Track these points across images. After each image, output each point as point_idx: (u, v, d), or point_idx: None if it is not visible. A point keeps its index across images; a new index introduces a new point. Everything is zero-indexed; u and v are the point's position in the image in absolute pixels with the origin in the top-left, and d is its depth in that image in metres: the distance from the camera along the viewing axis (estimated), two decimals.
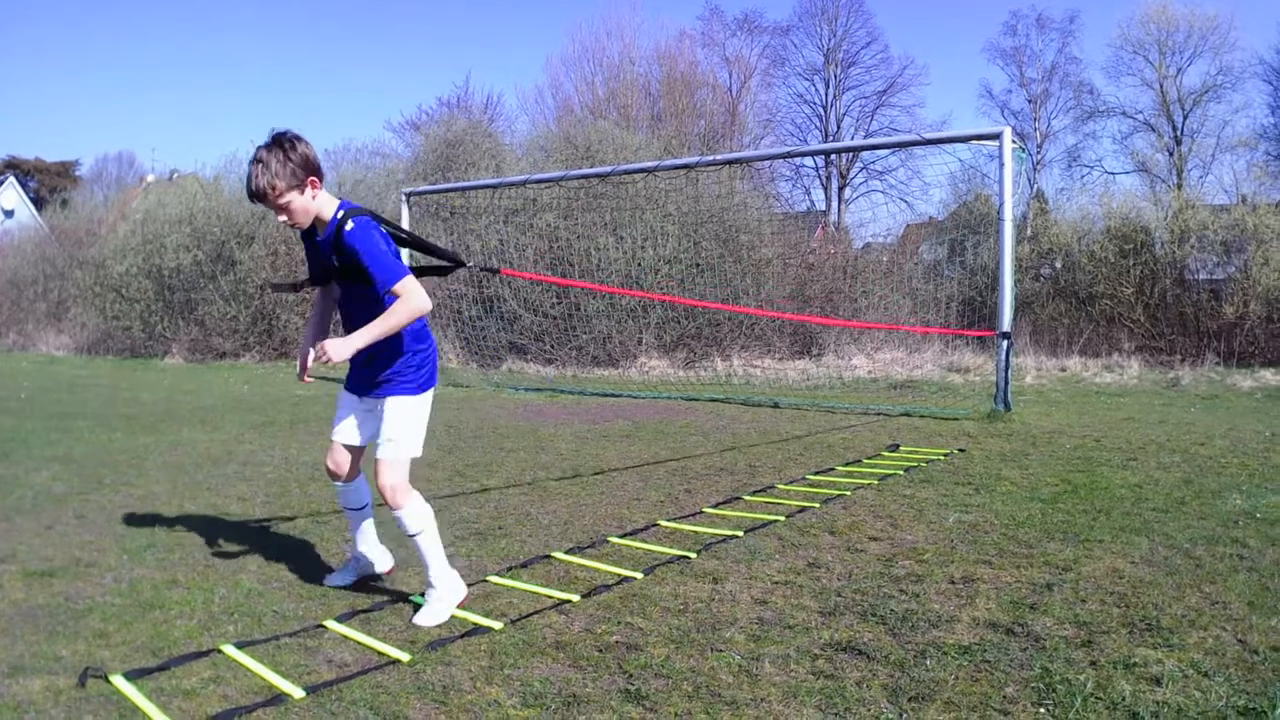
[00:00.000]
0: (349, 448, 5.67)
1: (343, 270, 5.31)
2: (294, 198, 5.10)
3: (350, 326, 5.33)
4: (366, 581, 6.02)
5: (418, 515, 5.46)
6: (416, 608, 5.41)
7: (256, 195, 5.11)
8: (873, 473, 9.76)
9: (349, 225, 5.15)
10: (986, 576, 5.87)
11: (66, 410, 15.55)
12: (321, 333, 5.71)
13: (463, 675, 4.40)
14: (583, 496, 8.65)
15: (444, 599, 5.36)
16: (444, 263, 6.34)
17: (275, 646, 4.79)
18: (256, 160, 5.06)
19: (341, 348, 5.03)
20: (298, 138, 5.18)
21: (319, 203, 5.23)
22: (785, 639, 4.82)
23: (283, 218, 5.20)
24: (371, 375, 5.47)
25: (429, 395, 5.55)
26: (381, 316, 5.11)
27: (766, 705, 4.07)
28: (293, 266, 29.68)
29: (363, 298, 5.30)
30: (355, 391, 5.61)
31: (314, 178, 5.16)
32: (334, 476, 5.72)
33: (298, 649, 4.77)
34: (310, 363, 5.57)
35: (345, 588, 5.91)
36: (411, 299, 5.15)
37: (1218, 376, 21.88)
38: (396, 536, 5.77)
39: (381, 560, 6.01)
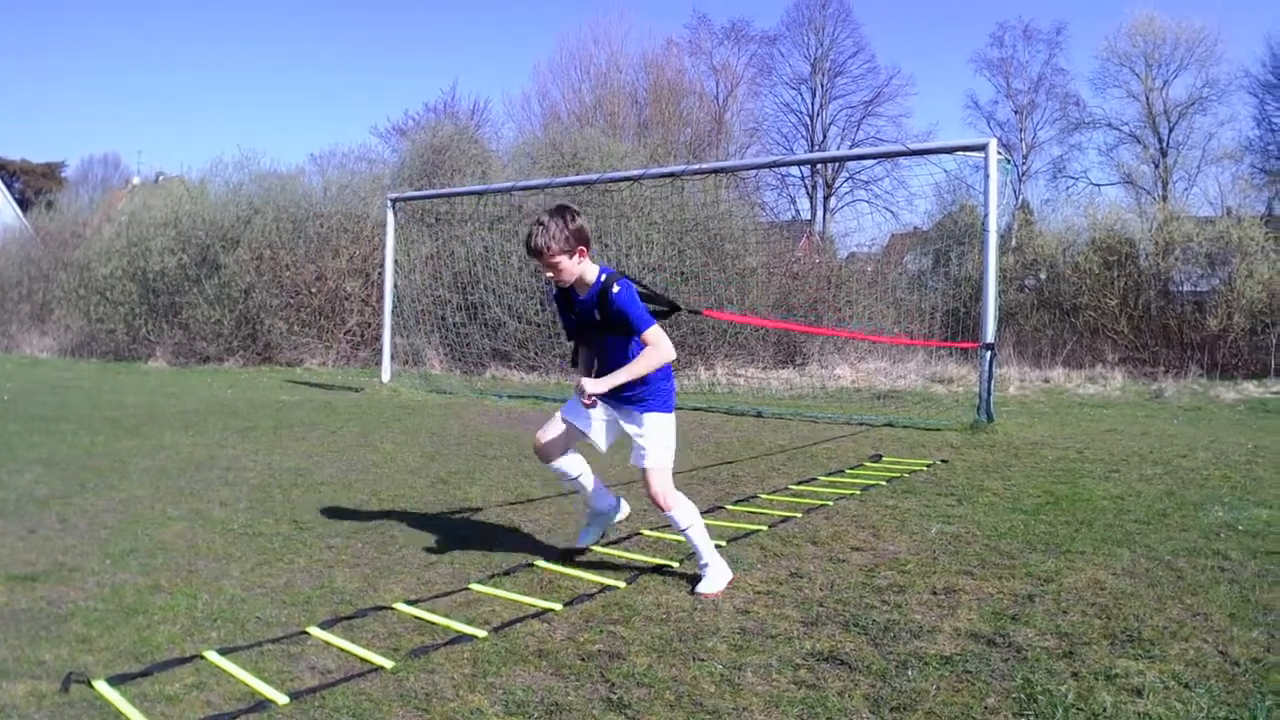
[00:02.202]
0: (571, 429, 6.46)
1: (603, 323, 6.11)
2: (563, 260, 5.99)
3: (605, 364, 6.21)
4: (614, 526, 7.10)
5: (686, 513, 6.17)
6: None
7: (533, 252, 6.02)
8: (855, 483, 9.77)
9: (615, 288, 5.99)
10: (968, 587, 5.88)
11: (49, 413, 15.51)
12: (587, 369, 6.53)
13: (445, 683, 4.41)
14: (565, 504, 8.65)
15: (719, 574, 6.12)
16: (664, 308, 6.87)
17: (258, 652, 4.79)
18: (539, 222, 5.99)
19: (599, 386, 5.99)
20: (576, 212, 6.11)
21: (583, 267, 6.10)
22: (767, 648, 4.83)
23: (549, 274, 6.10)
24: (620, 390, 6.14)
25: (673, 415, 6.30)
26: (635, 362, 6.00)
27: (748, 715, 4.08)
28: (277, 271, 29.64)
29: (616, 344, 6.14)
30: (604, 399, 6.30)
31: (583, 247, 6.06)
32: (543, 457, 6.55)
33: (281, 655, 4.77)
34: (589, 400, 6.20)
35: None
36: (660, 347, 6.01)
37: (1201, 388, 21.97)
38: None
39: (617, 507, 6.90)
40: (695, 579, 6.07)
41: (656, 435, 6.16)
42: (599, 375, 6.18)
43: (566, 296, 6.33)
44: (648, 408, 6.18)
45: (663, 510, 6.16)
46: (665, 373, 6.27)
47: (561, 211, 6.06)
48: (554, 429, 6.48)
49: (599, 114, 48.82)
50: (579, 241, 6.02)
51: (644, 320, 6.00)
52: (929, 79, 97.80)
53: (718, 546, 6.88)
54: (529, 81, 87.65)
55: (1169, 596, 5.67)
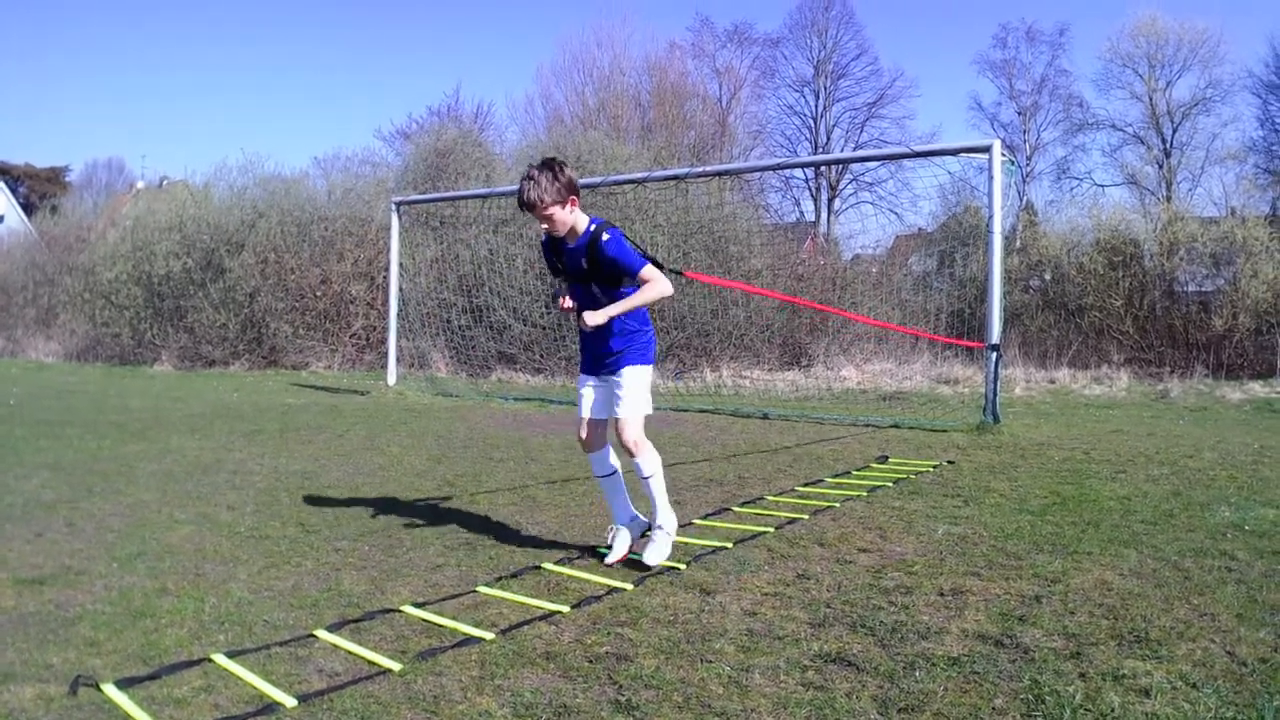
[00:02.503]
0: (594, 422, 6.90)
1: (590, 271, 6.51)
2: (556, 211, 6.35)
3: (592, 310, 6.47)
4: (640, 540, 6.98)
5: (651, 462, 6.73)
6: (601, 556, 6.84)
7: (526, 205, 6.36)
8: (862, 484, 9.77)
9: (605, 236, 6.39)
10: (975, 588, 5.88)
11: (55, 418, 15.53)
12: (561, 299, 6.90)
13: (453, 685, 4.41)
14: (572, 507, 8.67)
15: (669, 535, 6.76)
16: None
17: (266, 655, 4.79)
18: (529, 177, 6.29)
19: (598, 316, 6.33)
20: (563, 164, 6.42)
21: (574, 217, 6.47)
22: (775, 650, 4.83)
23: (544, 226, 6.50)
24: (604, 355, 6.69)
25: (651, 366, 6.82)
26: (635, 295, 6.42)
27: (756, 716, 4.08)
28: (282, 275, 29.67)
29: (604, 293, 6.52)
30: (591, 373, 6.88)
31: (574, 197, 6.44)
32: (586, 448, 7.02)
33: (288, 658, 4.77)
34: (569, 304, 6.80)
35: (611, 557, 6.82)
36: (658, 283, 6.41)
37: (1206, 389, 21.94)
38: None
39: (636, 523, 7.14)
40: (703, 582, 6.07)
41: (632, 386, 6.63)
42: (591, 337, 6.71)
43: (555, 245, 6.72)
44: (625, 361, 6.65)
45: (631, 456, 6.65)
46: (643, 322, 6.76)
47: (550, 164, 6.38)
48: (587, 427, 6.92)
49: (602, 117, 48.83)
50: (570, 192, 6.39)
51: (636, 261, 6.40)
52: (932, 81, 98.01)
53: (723, 549, 6.91)
54: (532, 84, 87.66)
55: (1176, 597, 5.66)
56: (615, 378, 6.69)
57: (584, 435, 6.96)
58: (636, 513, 7.16)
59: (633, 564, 6.59)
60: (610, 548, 6.88)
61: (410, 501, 8.86)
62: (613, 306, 6.39)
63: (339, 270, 30.32)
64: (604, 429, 6.96)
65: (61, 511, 8.20)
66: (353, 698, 4.27)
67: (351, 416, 16.35)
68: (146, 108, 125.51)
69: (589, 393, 6.90)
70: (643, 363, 6.72)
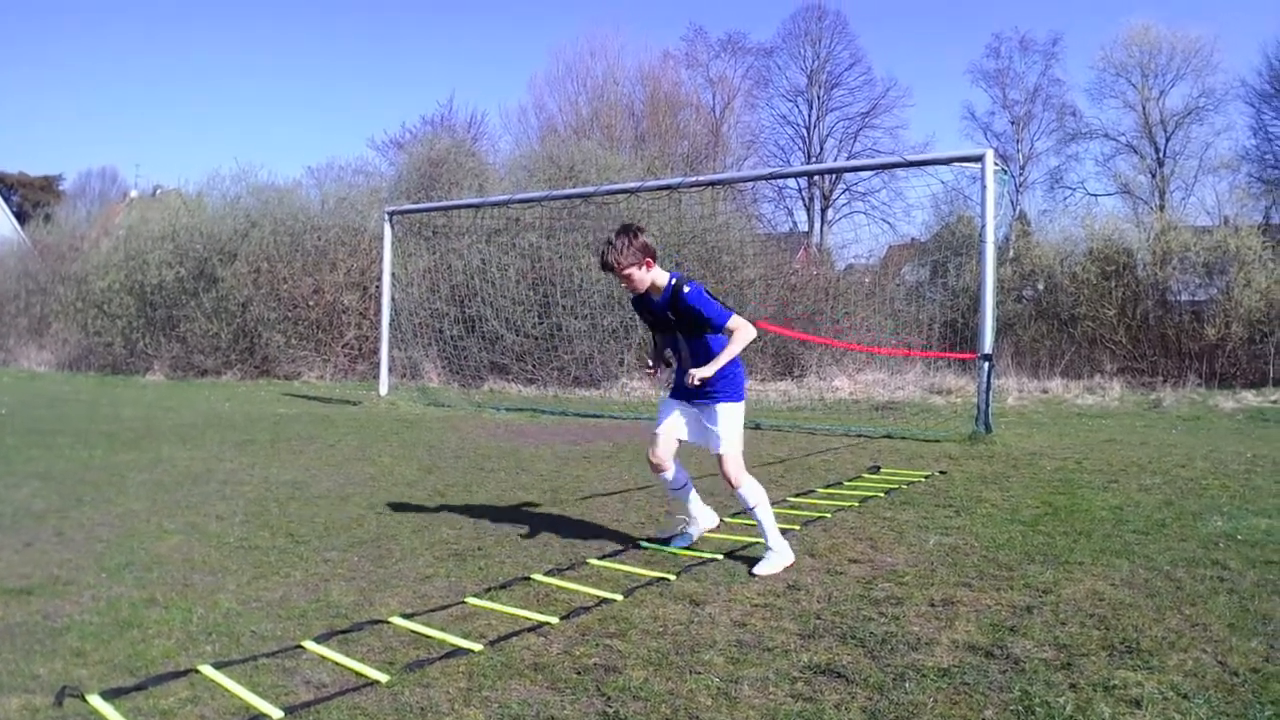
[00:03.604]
0: (670, 439, 7.40)
1: (678, 322, 7.11)
2: (634, 271, 7.00)
3: (687, 358, 7.22)
4: (704, 536, 7.81)
5: (754, 493, 7.10)
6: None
7: (605, 267, 7.09)
8: (853, 495, 9.77)
9: (686, 289, 6.96)
10: (966, 599, 5.87)
11: (47, 427, 15.51)
12: (659, 354, 7.69)
13: (441, 697, 4.39)
14: (562, 518, 8.66)
15: (779, 557, 6.99)
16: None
17: (253, 667, 4.78)
18: (609, 243, 7.04)
19: (706, 371, 6.82)
20: (640, 229, 7.14)
21: (653, 275, 7.09)
22: (764, 661, 4.82)
23: (625, 284, 7.16)
24: (698, 390, 7.10)
25: (744, 403, 7.30)
26: (728, 348, 6.93)
27: None
28: (274, 284, 29.67)
29: (693, 338, 7.12)
30: (682, 399, 7.37)
31: (649, 259, 7.06)
32: (656, 469, 7.50)
33: (276, 669, 4.75)
34: (660, 364, 7.71)
35: (666, 548, 7.61)
36: (745, 331, 6.96)
37: (1199, 398, 21.98)
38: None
39: (711, 518, 7.86)
40: (693, 593, 6.06)
41: (728, 424, 7.11)
42: (680, 365, 7.37)
43: (643, 301, 7.29)
44: (719, 399, 7.12)
45: (733, 488, 7.10)
46: (735, 364, 7.15)
47: (626, 230, 7.09)
48: (662, 444, 7.41)
49: (596, 126, 48.86)
50: (645, 254, 7.03)
51: (721, 314, 6.95)
52: (925, 91, 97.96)
53: (714, 559, 6.91)
54: (525, 94, 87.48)
55: (1168, 607, 5.66)
56: (708, 413, 7.20)
57: (658, 450, 7.42)
58: (702, 514, 7.82)
59: (609, 578, 6.58)
60: (681, 533, 7.83)
61: (400, 512, 8.85)
62: (715, 361, 6.88)
63: (332, 280, 30.31)
64: (675, 448, 7.47)
65: (51, 521, 8.18)
66: (340, 709, 4.25)
67: (343, 426, 16.34)
68: (140, 117, 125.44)
69: (675, 413, 7.41)
70: (736, 399, 7.20)
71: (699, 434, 7.35)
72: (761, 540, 7.07)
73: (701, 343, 7.09)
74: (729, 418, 7.13)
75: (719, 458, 7.14)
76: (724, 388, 7.13)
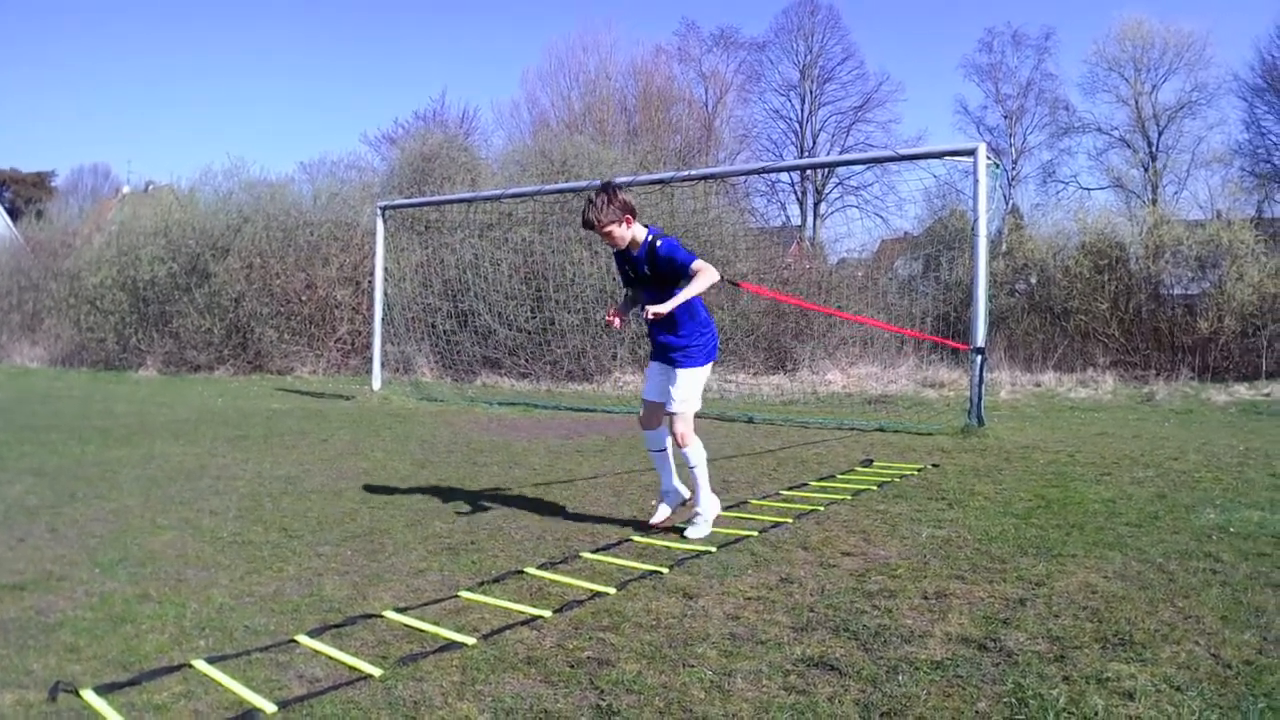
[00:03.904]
0: (653, 404, 8.03)
1: (652, 275, 7.61)
2: (614, 228, 7.49)
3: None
4: (676, 513, 8.25)
5: (696, 454, 7.79)
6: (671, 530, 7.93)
7: (587, 225, 7.57)
8: (846, 488, 9.77)
9: (659, 243, 7.51)
10: (959, 591, 5.87)
11: (40, 422, 15.49)
12: (627, 310, 8.24)
13: (434, 691, 4.39)
14: (555, 511, 8.67)
15: (707, 519, 7.78)
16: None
17: (247, 661, 4.77)
18: (590, 201, 7.49)
19: (662, 308, 7.29)
20: (618, 187, 7.61)
21: (632, 231, 7.59)
22: (757, 654, 4.82)
23: (606, 240, 7.65)
24: (668, 348, 7.77)
25: (709, 366, 7.92)
26: (689, 285, 7.40)
27: None
28: (267, 279, 29.66)
29: (662, 291, 7.52)
30: (657, 359, 7.98)
31: (629, 215, 7.53)
32: (645, 425, 8.22)
33: (269, 664, 4.75)
34: (624, 315, 8.11)
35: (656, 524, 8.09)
36: (705, 272, 7.38)
37: (1192, 391, 22.00)
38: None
39: (683, 491, 8.28)
40: (686, 586, 6.06)
41: (684, 385, 7.69)
42: (654, 325, 7.67)
43: (624, 255, 7.80)
44: (682, 364, 7.71)
45: (680, 447, 7.73)
46: (705, 327, 7.84)
47: (606, 188, 7.55)
48: (647, 410, 8.14)
49: (588, 121, 48.89)
50: (625, 211, 7.49)
51: (688, 256, 7.45)
52: (918, 85, 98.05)
53: (708, 553, 6.90)
54: (518, 89, 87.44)
55: (1161, 599, 5.66)
56: (673, 372, 7.76)
57: (642, 414, 8.21)
58: (677, 487, 8.30)
59: (602, 571, 6.58)
60: (659, 513, 8.23)
61: (393, 506, 8.84)
62: (674, 299, 7.36)
63: (324, 275, 30.29)
64: (660, 411, 8.00)
65: (44, 517, 8.18)
66: (333, 703, 4.25)
67: (336, 421, 16.33)
68: (133, 113, 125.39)
69: (654, 379, 8.04)
70: (698, 364, 7.77)
71: (661, 392, 7.90)
72: (749, 533, 7.13)
73: (672, 294, 7.48)
74: (688, 380, 7.71)
75: (669, 416, 7.77)
76: (693, 352, 7.75)
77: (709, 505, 7.87)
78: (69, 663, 4.75)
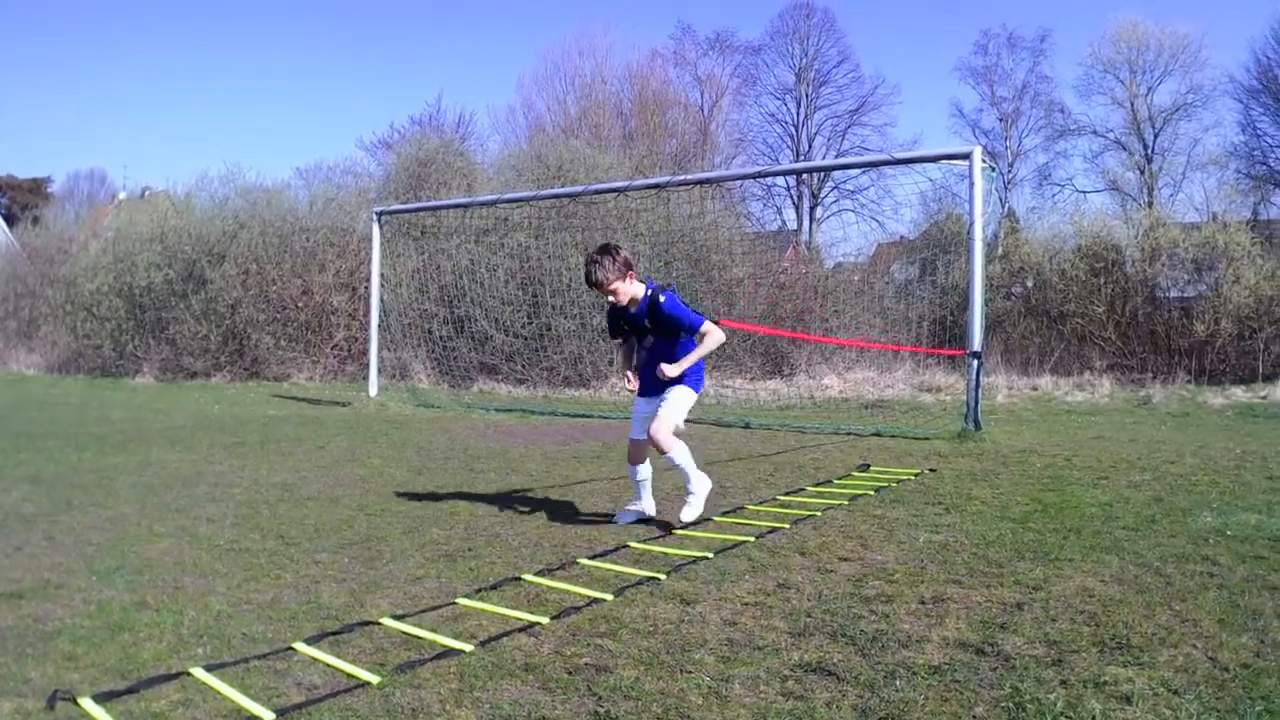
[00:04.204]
0: (641, 442, 8.33)
1: (654, 327, 8.09)
2: (619, 285, 7.97)
3: (655, 359, 8.08)
4: (640, 522, 8.44)
5: (680, 454, 8.08)
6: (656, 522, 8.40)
7: (593, 284, 8.04)
8: (843, 493, 9.77)
9: (662, 299, 7.96)
10: (956, 596, 5.87)
11: (36, 430, 15.48)
12: (629, 362, 8.57)
13: (432, 698, 4.39)
14: (552, 518, 8.66)
15: (700, 497, 8.18)
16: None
17: (244, 669, 4.77)
18: (593, 261, 7.97)
19: (674, 369, 7.90)
20: (618, 247, 8.12)
21: (633, 288, 8.08)
22: (755, 660, 4.82)
23: (610, 298, 8.07)
24: (663, 384, 8.10)
25: (697, 394, 8.37)
26: (699, 348, 8.01)
27: None
28: (263, 286, 29.67)
29: (666, 343, 8.09)
30: (646, 395, 8.33)
31: (631, 273, 8.04)
32: (632, 461, 8.50)
33: (267, 671, 4.74)
34: (634, 379, 8.45)
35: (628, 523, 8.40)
36: (714, 335, 8.02)
37: (1189, 394, 22.03)
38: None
39: (651, 507, 8.59)
40: (683, 593, 6.06)
41: (672, 400, 8.06)
42: (645, 368, 8.24)
43: (621, 311, 8.23)
44: (676, 384, 8.09)
45: (663, 452, 7.99)
46: (697, 367, 8.23)
47: (607, 249, 8.03)
48: (635, 447, 8.44)
49: (584, 126, 48.96)
50: (627, 269, 8.00)
51: (695, 319, 7.97)
52: (914, 88, 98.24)
53: (704, 558, 6.90)
54: (514, 94, 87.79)
55: (1158, 603, 5.66)
56: (666, 392, 8.11)
57: (630, 451, 8.50)
58: (643, 509, 8.57)
59: (599, 578, 6.58)
60: (633, 510, 8.56)
61: (390, 513, 8.84)
62: (684, 360, 7.96)
63: (320, 281, 30.31)
64: (646, 447, 8.33)
65: (41, 525, 8.16)
66: (331, 711, 4.25)
67: (333, 428, 16.33)
68: (129, 119, 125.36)
69: (640, 415, 8.35)
70: (692, 386, 8.24)
71: (646, 427, 8.15)
72: (746, 539, 7.15)
73: (673, 344, 8.06)
74: (675, 396, 8.09)
75: (656, 419, 8.03)
76: (687, 381, 8.16)
77: (700, 484, 8.21)
78: (67, 671, 4.74)
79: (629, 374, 8.49)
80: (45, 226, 43.77)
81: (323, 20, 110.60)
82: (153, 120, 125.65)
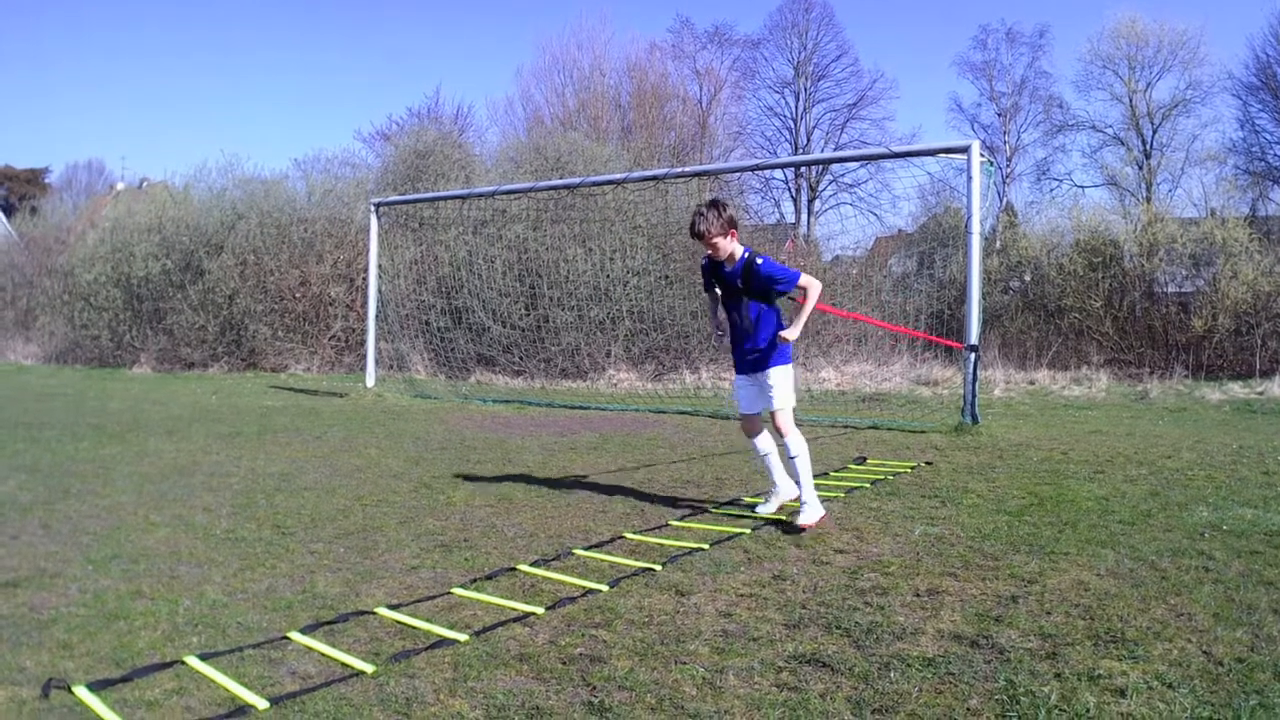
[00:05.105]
0: (750, 416, 8.53)
1: (745, 288, 8.16)
2: (720, 240, 8.05)
3: (744, 322, 8.25)
4: (784, 506, 8.50)
5: (798, 444, 8.09)
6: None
7: (696, 235, 8.14)
8: (839, 485, 9.79)
9: (759, 260, 8.05)
10: (952, 589, 5.88)
11: (34, 420, 15.48)
12: (716, 316, 8.79)
13: (426, 687, 4.39)
14: (548, 509, 8.66)
15: (813, 505, 8.01)
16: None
17: (239, 658, 4.77)
18: (699, 213, 8.07)
19: (794, 332, 8.01)
20: (726, 203, 8.27)
21: (733, 245, 8.12)
22: (750, 651, 4.82)
23: (710, 251, 8.18)
24: (752, 354, 8.26)
25: (792, 365, 8.35)
26: (806, 304, 8.08)
27: (730, 718, 4.06)
28: (261, 276, 29.65)
29: (752, 305, 8.18)
30: (743, 372, 8.43)
31: (734, 230, 8.13)
32: (749, 434, 8.66)
33: (261, 660, 4.75)
34: (724, 329, 8.64)
35: (763, 516, 8.38)
36: (814, 285, 8.13)
37: (1186, 389, 22.01)
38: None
39: (791, 488, 8.41)
40: (679, 584, 6.06)
41: (780, 384, 8.15)
42: (738, 329, 8.32)
43: (715, 267, 8.35)
44: (771, 363, 8.15)
45: (782, 437, 8.12)
46: (780, 327, 8.19)
47: (715, 204, 8.14)
48: (747, 421, 8.61)
49: (582, 118, 48.88)
50: (730, 226, 8.08)
51: (793, 274, 8.15)
52: (912, 82, 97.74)
53: (700, 550, 6.91)
54: (512, 86, 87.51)
55: (1153, 597, 5.66)
56: (763, 376, 8.19)
57: (745, 428, 8.67)
58: (785, 483, 8.53)
59: (595, 569, 6.58)
60: (765, 501, 8.64)
61: (386, 503, 8.84)
62: (797, 322, 8.06)
63: (318, 272, 30.28)
64: (757, 420, 8.53)
65: (37, 513, 8.17)
66: (325, 700, 4.25)
67: (330, 419, 16.33)
68: (127, 109, 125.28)
69: (744, 392, 8.48)
70: (785, 362, 8.23)
71: (760, 400, 8.33)
72: (742, 530, 7.13)
73: (761, 308, 8.17)
74: (781, 378, 8.15)
75: (772, 413, 8.15)
76: (775, 357, 8.17)
77: (812, 492, 8.11)
78: (62, 659, 4.75)
79: (718, 327, 8.77)
80: (43, 217, 43.78)
81: (321, 11, 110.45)
82: (151, 111, 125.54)
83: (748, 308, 8.21)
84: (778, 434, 8.19)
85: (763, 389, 8.23)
